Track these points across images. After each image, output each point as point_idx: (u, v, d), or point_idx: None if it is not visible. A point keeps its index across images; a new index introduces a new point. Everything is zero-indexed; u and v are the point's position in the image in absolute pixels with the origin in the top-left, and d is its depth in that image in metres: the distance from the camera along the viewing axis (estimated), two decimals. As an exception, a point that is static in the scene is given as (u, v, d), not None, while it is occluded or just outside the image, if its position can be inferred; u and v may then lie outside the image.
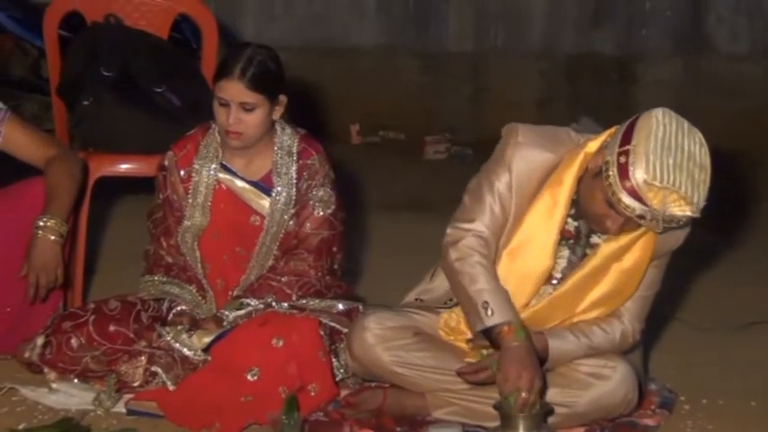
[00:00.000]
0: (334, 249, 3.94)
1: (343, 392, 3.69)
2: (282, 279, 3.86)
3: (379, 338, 3.55)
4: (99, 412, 3.56)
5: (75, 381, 3.73)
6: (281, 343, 3.59)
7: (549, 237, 3.44)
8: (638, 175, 3.19)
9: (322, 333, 3.67)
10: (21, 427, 3.43)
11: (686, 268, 5.06)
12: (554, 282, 3.49)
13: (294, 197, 3.90)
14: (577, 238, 3.49)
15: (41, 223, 3.76)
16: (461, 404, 3.54)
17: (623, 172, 3.21)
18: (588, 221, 3.43)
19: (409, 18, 8.22)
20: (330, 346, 3.70)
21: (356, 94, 8.04)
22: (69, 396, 3.66)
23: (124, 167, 4.51)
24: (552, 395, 3.45)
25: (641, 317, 3.55)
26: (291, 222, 3.91)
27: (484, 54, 8.27)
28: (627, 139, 3.23)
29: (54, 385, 3.70)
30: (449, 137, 7.96)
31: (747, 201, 6.57)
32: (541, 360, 3.44)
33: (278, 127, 3.92)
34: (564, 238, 3.48)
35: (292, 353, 3.58)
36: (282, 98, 3.85)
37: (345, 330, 3.70)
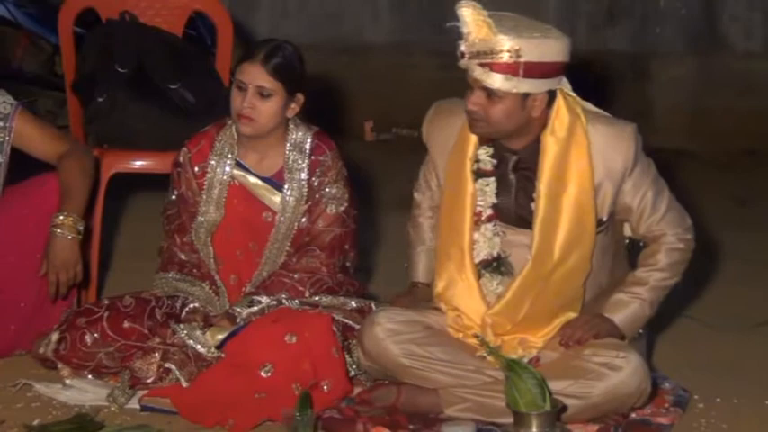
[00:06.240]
0: (347, 247, 3.95)
1: (357, 389, 3.69)
2: (295, 276, 3.86)
3: (389, 332, 3.56)
4: (113, 408, 3.57)
5: (89, 377, 3.75)
6: (294, 339, 3.59)
7: (463, 166, 3.64)
8: None
9: (335, 329, 3.68)
10: (35, 422, 3.44)
11: (701, 267, 5.06)
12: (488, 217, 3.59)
13: (306, 193, 3.91)
14: (502, 170, 3.61)
15: (58, 221, 3.76)
16: (474, 400, 3.53)
17: None
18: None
19: (423, 15, 8.21)
20: (343, 342, 3.70)
21: (370, 92, 8.02)
22: (83, 392, 3.67)
23: (138, 164, 4.52)
24: (565, 387, 3.44)
25: (676, 221, 3.61)
26: (304, 219, 3.91)
27: (497, 51, 8.24)
28: None
29: (68, 381, 3.71)
30: (462, 134, 7.93)
31: (761, 198, 6.55)
32: (620, 338, 3.55)
33: (291, 124, 3.93)
34: (484, 175, 3.61)
35: (305, 349, 3.58)
36: (300, 97, 3.86)
37: (358, 327, 3.71)
